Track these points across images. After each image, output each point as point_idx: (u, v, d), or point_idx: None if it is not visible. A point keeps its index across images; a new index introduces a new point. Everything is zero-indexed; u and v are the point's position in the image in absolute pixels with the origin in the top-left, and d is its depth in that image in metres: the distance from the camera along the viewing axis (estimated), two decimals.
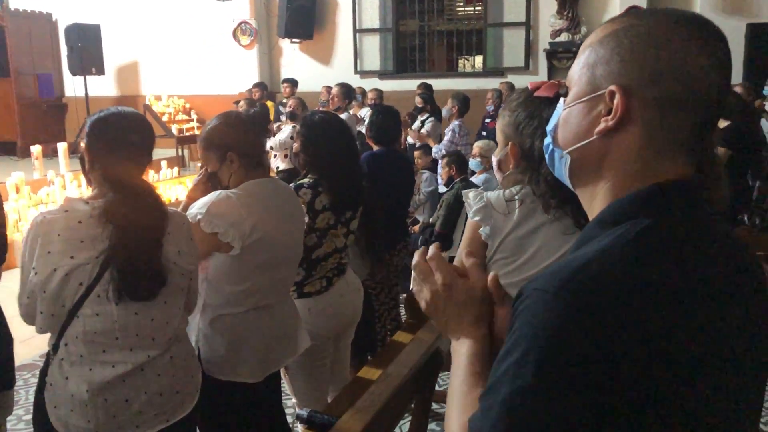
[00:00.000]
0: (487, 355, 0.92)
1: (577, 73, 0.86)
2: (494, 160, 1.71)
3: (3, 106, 10.25)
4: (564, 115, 0.88)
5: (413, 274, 1.00)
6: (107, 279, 1.72)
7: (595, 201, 0.85)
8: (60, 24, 10.64)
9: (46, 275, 1.71)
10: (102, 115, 1.88)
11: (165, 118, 10.11)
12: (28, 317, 1.84)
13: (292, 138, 6.04)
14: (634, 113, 0.80)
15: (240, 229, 2.11)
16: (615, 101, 0.80)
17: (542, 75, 9.22)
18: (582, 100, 0.84)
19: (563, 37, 9.12)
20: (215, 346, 2.22)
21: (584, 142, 0.84)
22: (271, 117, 8.50)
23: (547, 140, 0.92)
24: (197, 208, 2.11)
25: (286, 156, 6.14)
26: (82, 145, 1.88)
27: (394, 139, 3.85)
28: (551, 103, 1.58)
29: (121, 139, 1.83)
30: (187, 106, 10.65)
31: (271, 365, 2.34)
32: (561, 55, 9.14)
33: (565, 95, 0.89)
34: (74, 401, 1.79)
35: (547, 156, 0.93)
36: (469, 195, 1.62)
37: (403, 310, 3.98)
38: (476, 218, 1.60)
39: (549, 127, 0.92)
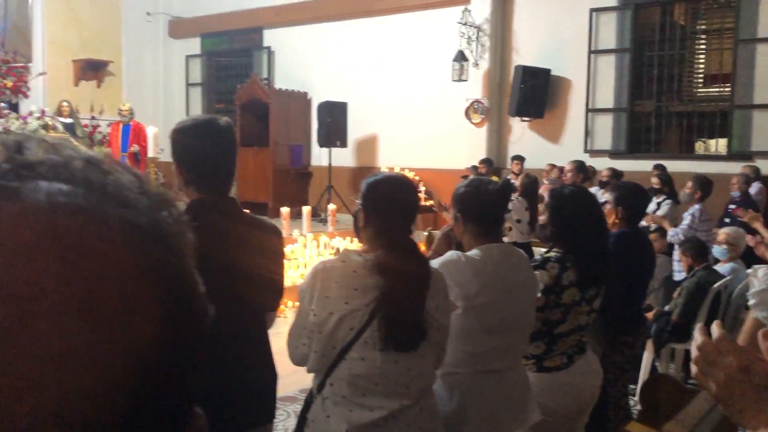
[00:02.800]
0: None
1: None
2: None
3: (261, 172, 11.63)
4: None
5: (695, 354, 0.96)
6: (375, 327, 1.88)
7: None
8: (314, 102, 11.92)
9: (323, 318, 1.90)
10: (377, 179, 2.08)
11: None
12: (298, 356, 2.04)
13: (509, 211, 6.13)
14: None
15: (465, 289, 2.19)
16: None
17: None
18: None
19: None
20: (444, 402, 2.28)
21: None
22: None
23: None
24: (432, 264, 2.25)
25: (507, 229, 6.20)
26: (357, 204, 2.09)
27: (641, 219, 3.72)
28: None
29: (392, 201, 2.02)
30: (417, 178, 11.22)
31: (498, 431, 2.34)
32: None
33: None
34: None
35: None
36: (759, 272, 1.50)
37: (630, 400, 3.76)
38: (751, 301, 1.48)
39: None
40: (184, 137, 2.06)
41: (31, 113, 9.96)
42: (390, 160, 11.48)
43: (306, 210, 9.25)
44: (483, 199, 2.33)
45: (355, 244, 8.31)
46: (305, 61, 12.39)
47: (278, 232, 2.21)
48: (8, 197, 0.34)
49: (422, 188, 11.08)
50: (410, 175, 11.19)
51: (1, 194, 0.34)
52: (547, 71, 10.01)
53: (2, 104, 10.95)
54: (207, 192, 2.05)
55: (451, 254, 2.29)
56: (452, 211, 2.39)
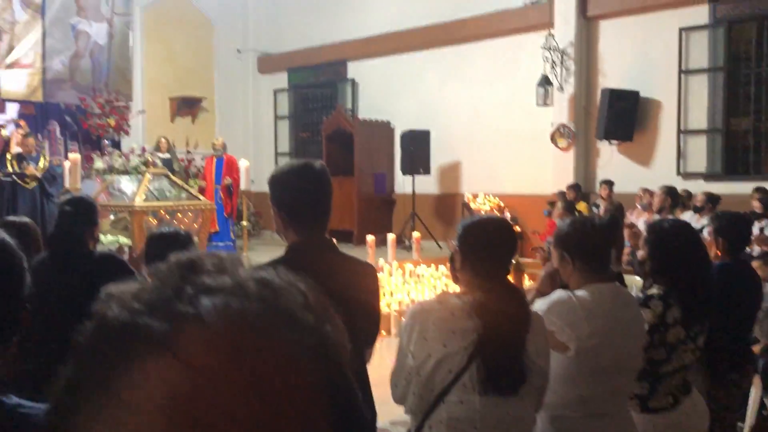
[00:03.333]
0: None
1: None
2: None
3: (346, 201, 11.81)
4: None
5: None
6: (474, 370, 1.87)
7: None
8: (396, 131, 12.06)
9: (422, 360, 1.92)
10: (473, 221, 2.10)
11: None
12: (397, 396, 2.06)
13: None
14: None
15: (576, 330, 2.14)
16: None
17: None
18: None
19: None
20: None
21: None
22: None
23: None
24: (539, 305, 2.21)
25: None
26: (454, 246, 2.11)
27: (744, 249, 3.56)
28: None
29: (489, 243, 2.02)
30: (501, 204, 11.12)
31: None
32: None
33: None
34: None
35: None
36: None
37: None
38: None
39: None
40: (282, 183, 2.14)
41: (132, 150, 10.55)
42: (474, 187, 11.42)
43: (391, 238, 9.32)
44: (590, 235, 2.28)
45: (440, 272, 8.30)
46: (388, 91, 12.58)
47: (374, 270, 2.25)
48: (195, 323, 0.38)
49: (507, 215, 10.95)
50: (494, 201, 11.12)
51: (189, 320, 0.38)
52: (635, 93, 9.75)
53: (106, 142, 11.68)
54: (306, 235, 2.12)
55: (560, 294, 2.24)
56: (557, 252, 2.34)
